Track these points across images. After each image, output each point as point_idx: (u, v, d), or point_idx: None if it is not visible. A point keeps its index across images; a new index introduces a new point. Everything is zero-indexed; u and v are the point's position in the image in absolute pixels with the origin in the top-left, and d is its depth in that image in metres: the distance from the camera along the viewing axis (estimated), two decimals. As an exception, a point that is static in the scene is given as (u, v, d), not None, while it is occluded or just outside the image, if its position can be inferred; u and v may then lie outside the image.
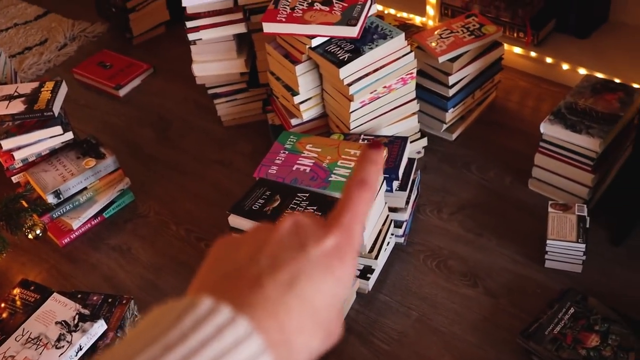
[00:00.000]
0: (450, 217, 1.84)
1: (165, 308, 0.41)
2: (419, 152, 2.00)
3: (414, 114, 1.92)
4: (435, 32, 2.01)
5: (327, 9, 1.81)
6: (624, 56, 2.10)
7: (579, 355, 1.41)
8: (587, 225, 1.64)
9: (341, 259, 0.46)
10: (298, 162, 1.59)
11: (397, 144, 1.74)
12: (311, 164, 1.58)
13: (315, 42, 1.78)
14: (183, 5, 2.00)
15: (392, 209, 1.72)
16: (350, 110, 1.78)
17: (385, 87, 1.80)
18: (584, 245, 1.60)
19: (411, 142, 1.91)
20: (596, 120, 1.71)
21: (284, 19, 1.79)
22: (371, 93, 1.79)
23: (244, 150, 2.18)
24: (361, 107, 1.80)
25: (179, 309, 0.40)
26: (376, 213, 1.62)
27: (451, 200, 1.88)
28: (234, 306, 0.40)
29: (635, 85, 1.83)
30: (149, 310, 0.42)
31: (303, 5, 1.83)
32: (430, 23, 2.40)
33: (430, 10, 2.39)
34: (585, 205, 1.68)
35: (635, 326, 1.45)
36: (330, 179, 1.53)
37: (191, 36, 2.03)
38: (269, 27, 1.81)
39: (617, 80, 1.89)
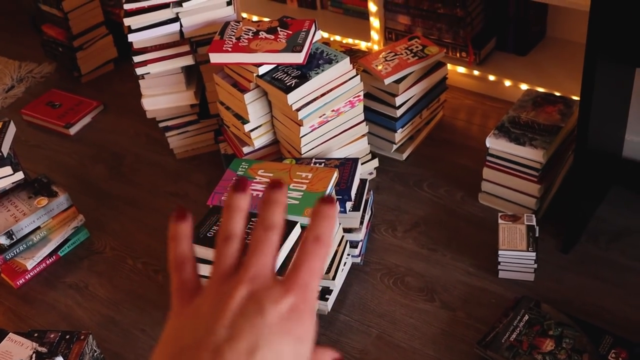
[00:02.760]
0: (404, 234, 1.87)
1: None
2: (371, 173, 2.03)
3: (363, 135, 1.96)
4: (380, 55, 2.06)
5: (272, 37, 1.85)
6: (562, 70, 2.18)
7: (535, 360, 1.44)
8: (537, 234, 1.68)
9: (299, 319, 0.46)
10: (250, 187, 1.61)
11: (348, 165, 1.76)
12: (263, 189, 1.59)
13: (262, 70, 1.81)
14: (129, 40, 2.01)
15: (347, 230, 1.75)
16: (301, 135, 1.81)
17: (333, 110, 1.84)
18: (534, 254, 1.64)
19: (362, 163, 1.94)
20: (538, 132, 1.77)
21: (230, 49, 1.82)
22: (320, 117, 1.82)
23: (199, 181, 2.18)
24: (311, 131, 1.82)
25: None
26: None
27: (405, 219, 1.92)
28: None
29: (574, 97, 1.90)
30: None
31: (248, 35, 1.86)
32: (376, 47, 2.45)
33: (374, 35, 2.44)
34: (533, 215, 1.73)
35: (587, 329, 1.49)
36: (283, 202, 1.54)
37: (139, 70, 2.05)
38: (215, 58, 1.84)
39: (557, 93, 1.96)
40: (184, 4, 1.96)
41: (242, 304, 0.46)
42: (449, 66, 2.21)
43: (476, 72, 2.28)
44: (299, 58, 1.78)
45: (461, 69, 2.30)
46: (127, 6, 1.96)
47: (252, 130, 1.91)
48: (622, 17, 1.48)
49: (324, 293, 1.67)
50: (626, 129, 1.89)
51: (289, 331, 0.45)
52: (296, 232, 1.47)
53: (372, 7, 2.37)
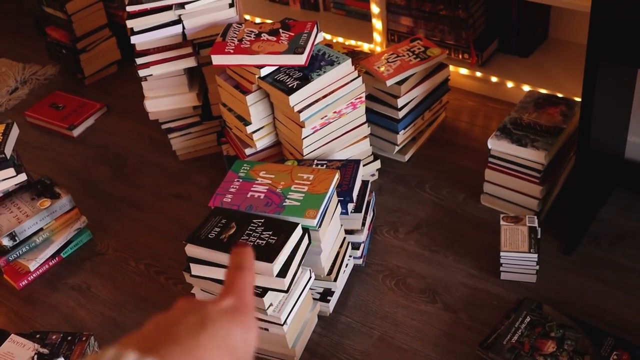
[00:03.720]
0: (406, 236, 1.87)
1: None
2: (373, 175, 2.03)
3: (365, 137, 1.96)
4: (382, 57, 2.06)
5: (274, 38, 1.85)
6: (564, 71, 2.18)
7: (537, 362, 1.44)
8: (539, 236, 1.68)
9: (242, 314, 0.52)
10: (252, 189, 1.61)
11: (350, 167, 1.76)
12: (265, 190, 1.60)
13: (264, 72, 1.81)
14: (132, 42, 2.02)
15: (349, 231, 1.75)
16: (303, 137, 1.81)
17: (335, 112, 1.84)
18: (536, 255, 1.64)
19: (365, 165, 1.94)
20: (540, 133, 1.77)
21: (232, 51, 1.82)
22: (322, 119, 1.82)
23: (201, 182, 2.19)
24: (313, 132, 1.83)
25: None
26: (333, 236, 1.64)
27: (407, 220, 1.92)
28: (140, 350, 0.45)
29: (576, 99, 1.89)
30: None
31: (250, 37, 1.87)
32: (378, 49, 2.45)
33: (377, 37, 2.44)
34: (535, 217, 1.73)
35: (589, 330, 1.49)
36: (284, 203, 1.55)
37: (142, 72, 2.05)
38: (218, 60, 1.84)
39: (559, 95, 1.96)
40: (186, 6, 1.97)
41: (185, 305, 0.51)
42: (451, 68, 2.22)
43: (478, 74, 2.28)
44: (300, 60, 1.79)
45: (463, 71, 2.30)
46: (130, 8, 1.97)
47: (254, 132, 1.91)
48: (623, 18, 1.48)
49: (326, 294, 1.67)
50: (628, 131, 1.89)
51: (234, 319, 0.50)
52: (297, 233, 1.47)
53: (375, 9, 2.38)
